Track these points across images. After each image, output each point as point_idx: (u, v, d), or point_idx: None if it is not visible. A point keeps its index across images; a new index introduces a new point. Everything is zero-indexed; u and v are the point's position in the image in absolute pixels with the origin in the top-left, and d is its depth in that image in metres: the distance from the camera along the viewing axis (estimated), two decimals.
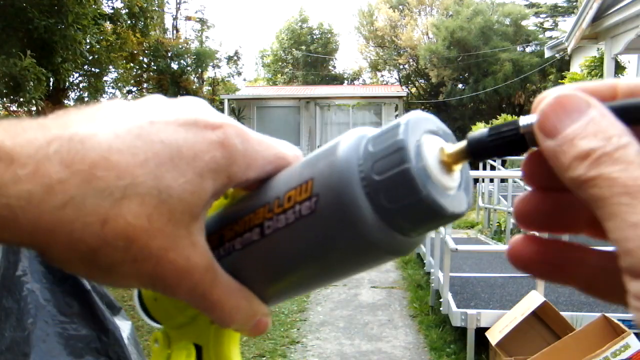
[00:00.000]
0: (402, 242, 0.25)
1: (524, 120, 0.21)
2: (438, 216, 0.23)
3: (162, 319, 0.34)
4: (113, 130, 0.25)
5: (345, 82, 26.31)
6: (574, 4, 21.65)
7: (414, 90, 24.02)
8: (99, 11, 8.69)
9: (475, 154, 0.23)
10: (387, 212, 0.24)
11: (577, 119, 0.19)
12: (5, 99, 8.78)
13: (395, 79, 25.33)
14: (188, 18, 16.63)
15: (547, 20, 24.87)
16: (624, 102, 0.20)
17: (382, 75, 26.90)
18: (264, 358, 3.65)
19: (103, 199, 0.24)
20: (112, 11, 10.22)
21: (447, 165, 0.24)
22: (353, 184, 0.24)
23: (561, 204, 0.23)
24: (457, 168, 0.24)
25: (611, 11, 6.39)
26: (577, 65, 10.14)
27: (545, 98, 0.20)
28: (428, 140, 0.24)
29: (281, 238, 0.26)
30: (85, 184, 0.23)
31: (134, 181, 0.24)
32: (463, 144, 0.23)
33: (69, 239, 0.24)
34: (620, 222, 0.17)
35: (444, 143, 0.25)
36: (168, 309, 0.33)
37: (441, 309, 3.76)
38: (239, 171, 0.27)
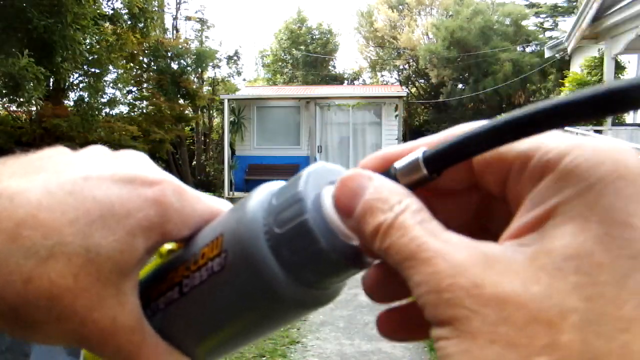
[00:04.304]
0: (312, 294, 0.25)
1: (397, 165, 0.22)
2: (340, 266, 0.23)
3: None
4: (45, 186, 0.24)
5: (345, 82, 26.31)
6: (574, 4, 21.66)
7: (414, 90, 24.04)
8: (98, 11, 8.70)
9: None
10: (290, 265, 0.23)
11: (363, 194, 0.21)
12: (4, 99, 8.77)
13: (396, 79, 25.35)
14: (188, 18, 16.65)
15: (547, 20, 24.88)
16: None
17: (382, 76, 26.93)
18: (264, 358, 3.65)
19: (28, 257, 0.23)
20: (112, 12, 10.22)
21: None
22: (256, 237, 0.24)
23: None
24: None
25: (611, 11, 6.40)
26: (577, 65, 10.14)
27: (336, 183, 0.22)
28: (331, 191, 0.24)
29: (198, 296, 0.26)
30: (10, 242, 0.23)
31: (61, 240, 0.24)
32: None
33: None
34: (411, 283, 0.19)
35: None
36: None
37: None
38: (174, 229, 0.27)
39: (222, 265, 0.25)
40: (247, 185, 12.15)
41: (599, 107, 0.17)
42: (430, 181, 0.21)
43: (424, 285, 0.18)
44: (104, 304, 0.25)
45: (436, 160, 0.21)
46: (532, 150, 0.19)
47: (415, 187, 0.22)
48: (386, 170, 0.23)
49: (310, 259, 0.23)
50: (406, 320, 0.25)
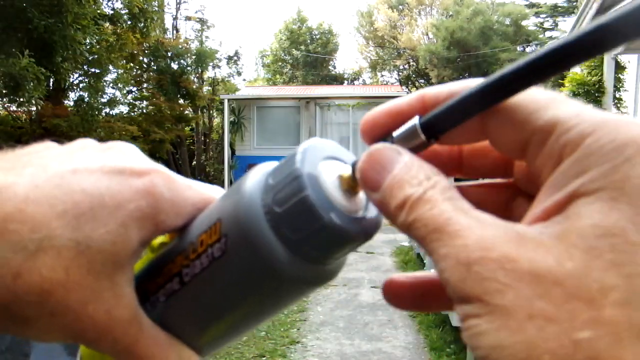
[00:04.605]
0: (318, 271, 0.25)
1: (395, 134, 0.22)
2: (344, 240, 0.23)
3: None
4: (32, 180, 0.24)
5: (345, 82, 26.31)
6: (574, 4, 21.66)
7: (414, 90, 24.03)
8: (98, 11, 8.71)
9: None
10: (294, 243, 0.23)
11: (391, 169, 0.21)
12: (4, 99, 8.78)
13: (395, 79, 25.33)
14: (188, 18, 16.63)
15: (547, 20, 24.88)
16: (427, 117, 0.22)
17: (382, 75, 26.92)
18: (264, 358, 3.65)
19: (16, 252, 0.23)
20: (112, 12, 10.23)
21: (348, 189, 0.24)
22: (256, 218, 0.24)
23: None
24: (360, 190, 0.24)
25: (611, 11, 6.39)
26: (577, 66, 10.12)
27: (362, 155, 0.22)
28: (328, 165, 0.24)
29: (200, 284, 0.26)
30: None
31: (50, 233, 0.23)
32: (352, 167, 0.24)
33: None
34: (436, 256, 0.18)
35: (345, 167, 0.24)
36: None
37: None
38: (167, 219, 0.26)
39: (223, 250, 0.25)
40: None
41: (584, 48, 0.17)
42: (429, 146, 0.22)
43: (450, 259, 0.18)
44: (98, 297, 0.24)
45: (433, 126, 0.21)
46: (550, 124, 0.19)
47: (414, 152, 0.22)
48: (387, 133, 0.23)
49: (312, 235, 0.23)
50: (416, 292, 0.25)
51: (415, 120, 0.22)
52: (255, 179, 0.25)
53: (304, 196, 0.22)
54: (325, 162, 0.24)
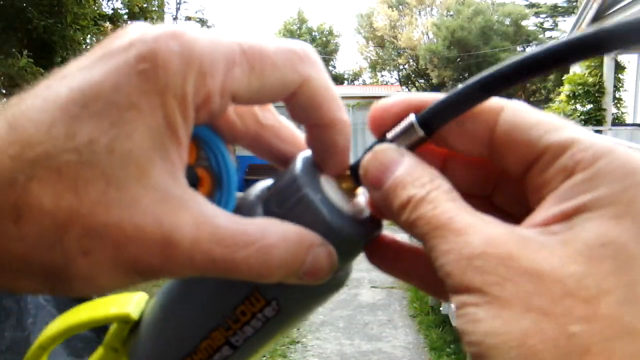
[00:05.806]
0: (337, 280, 0.26)
1: (389, 135, 0.23)
2: (354, 242, 0.24)
3: None
4: (4, 115, 0.19)
5: (346, 82, 26.34)
6: (574, 4, 21.67)
7: (414, 90, 24.04)
8: (98, 12, 8.73)
9: (357, 174, 0.24)
10: None
11: (394, 169, 0.21)
12: (3, 100, 8.77)
13: (395, 79, 25.35)
14: (188, 18, 16.64)
15: (547, 20, 24.89)
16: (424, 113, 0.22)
17: (382, 76, 26.94)
18: (264, 358, 3.65)
19: (9, 188, 0.18)
20: (112, 12, 10.25)
21: (348, 191, 0.24)
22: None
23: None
24: (358, 192, 0.25)
25: (611, 11, 6.41)
26: (577, 65, 10.15)
27: (366, 155, 0.23)
28: (325, 179, 0.24)
29: (255, 340, 0.27)
30: None
31: (40, 154, 0.18)
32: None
33: None
34: (437, 252, 0.19)
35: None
36: None
37: (441, 309, 3.75)
38: (187, 75, 0.19)
39: (277, 309, 0.25)
40: (247, 185, 12.09)
41: (587, 48, 0.19)
42: (425, 142, 0.22)
43: (453, 253, 0.18)
44: (137, 210, 0.19)
45: (431, 120, 0.22)
46: (565, 144, 0.20)
47: (411, 150, 0.22)
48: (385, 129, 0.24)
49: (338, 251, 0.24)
50: (399, 258, 0.26)
51: (411, 118, 0.22)
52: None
53: (327, 222, 0.23)
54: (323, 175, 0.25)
